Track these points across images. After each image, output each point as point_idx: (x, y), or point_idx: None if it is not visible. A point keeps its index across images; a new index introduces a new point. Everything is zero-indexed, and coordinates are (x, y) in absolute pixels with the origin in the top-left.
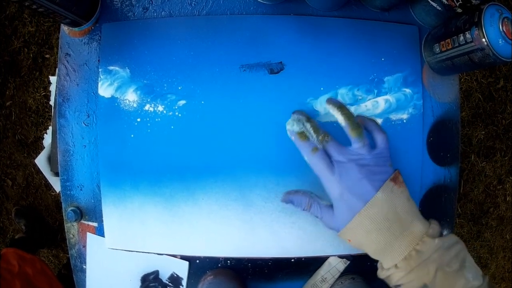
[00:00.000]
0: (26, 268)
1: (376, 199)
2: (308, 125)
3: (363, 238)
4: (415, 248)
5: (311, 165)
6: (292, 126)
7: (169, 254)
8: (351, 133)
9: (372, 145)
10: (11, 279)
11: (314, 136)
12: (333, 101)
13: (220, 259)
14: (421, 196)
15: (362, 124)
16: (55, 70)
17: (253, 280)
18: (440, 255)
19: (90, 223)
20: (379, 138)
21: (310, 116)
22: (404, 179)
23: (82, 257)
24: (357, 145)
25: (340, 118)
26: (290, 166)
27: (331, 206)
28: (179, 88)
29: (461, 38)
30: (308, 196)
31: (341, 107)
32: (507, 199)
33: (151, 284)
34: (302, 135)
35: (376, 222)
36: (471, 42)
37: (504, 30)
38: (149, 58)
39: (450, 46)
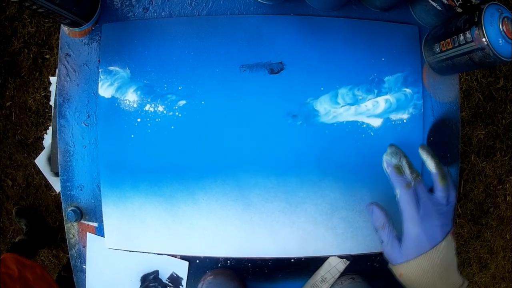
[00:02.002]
0: (26, 273)
1: (441, 247)
2: (404, 161)
3: (417, 276)
4: None
5: (401, 199)
6: (391, 158)
7: (169, 254)
8: (440, 182)
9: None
10: (11, 283)
11: (408, 172)
12: (426, 149)
13: (220, 259)
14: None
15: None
16: (55, 71)
17: (253, 280)
18: None
19: (90, 223)
20: (452, 195)
21: (405, 153)
22: None
23: (82, 257)
24: (441, 194)
25: (431, 166)
26: (290, 166)
27: (398, 238)
28: (179, 88)
29: (461, 37)
30: (388, 218)
31: (434, 156)
32: (507, 199)
33: (151, 284)
34: (399, 169)
35: (434, 266)
36: (471, 41)
37: (504, 29)
38: (149, 58)
39: (450, 46)
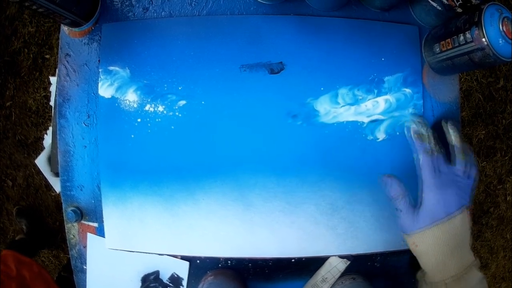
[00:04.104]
0: (23, 271)
1: (456, 219)
2: (430, 132)
3: (430, 247)
4: (464, 275)
5: (421, 165)
6: (417, 126)
7: (169, 255)
8: (461, 155)
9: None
10: (7, 282)
11: (433, 142)
12: (452, 122)
13: (221, 259)
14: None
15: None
16: (55, 71)
17: (254, 280)
18: (477, 286)
19: (91, 224)
20: (474, 172)
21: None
22: (404, 179)
23: (82, 258)
24: (461, 167)
25: (455, 139)
26: (290, 166)
27: (414, 206)
28: (179, 88)
29: (461, 38)
30: (405, 188)
31: (458, 130)
32: (508, 199)
33: (151, 285)
34: (423, 137)
35: (448, 237)
36: (471, 42)
37: (504, 30)
38: (149, 58)
39: (450, 46)
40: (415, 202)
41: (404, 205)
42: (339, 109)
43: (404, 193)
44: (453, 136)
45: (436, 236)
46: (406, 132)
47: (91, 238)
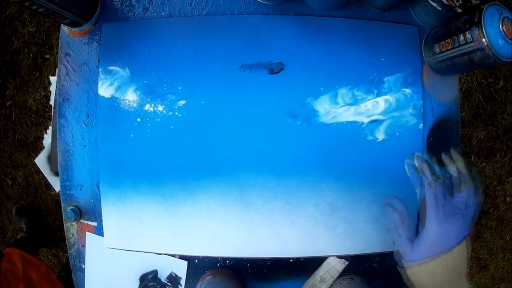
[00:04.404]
0: (31, 272)
1: (454, 252)
2: (425, 165)
3: (427, 278)
4: None
5: (422, 199)
6: (412, 161)
7: (168, 254)
8: (466, 183)
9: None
10: (14, 281)
11: (429, 173)
12: (457, 149)
13: (219, 258)
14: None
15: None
16: (55, 70)
17: (252, 280)
18: None
19: (90, 223)
20: (472, 199)
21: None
22: (404, 179)
23: (81, 257)
24: (465, 195)
25: (460, 165)
26: (290, 166)
27: (411, 237)
28: (179, 88)
29: (461, 38)
30: (406, 214)
31: (463, 157)
32: (507, 200)
33: (149, 284)
34: (421, 170)
35: (445, 270)
36: (471, 42)
37: (504, 30)
38: (149, 58)
39: (450, 46)
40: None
41: (405, 233)
42: (339, 109)
43: (406, 219)
44: (457, 162)
45: (434, 269)
46: (406, 169)
47: (90, 237)
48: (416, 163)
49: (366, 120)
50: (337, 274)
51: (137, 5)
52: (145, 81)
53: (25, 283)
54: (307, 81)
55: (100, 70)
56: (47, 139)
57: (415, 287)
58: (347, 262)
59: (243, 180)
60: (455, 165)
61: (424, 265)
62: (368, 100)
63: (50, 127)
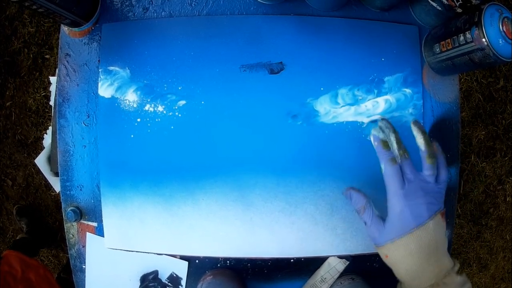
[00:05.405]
0: (30, 274)
1: (428, 226)
2: (392, 136)
3: (403, 257)
4: (442, 280)
5: (385, 174)
6: (378, 133)
7: (168, 254)
8: (427, 160)
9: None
10: (14, 284)
11: (396, 148)
12: (418, 124)
13: (220, 259)
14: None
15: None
16: (55, 71)
17: (253, 280)
18: None
19: (90, 223)
20: (444, 175)
21: (395, 128)
22: None
23: (81, 257)
24: (428, 172)
25: (421, 142)
26: (290, 166)
27: (381, 218)
28: (179, 88)
29: (461, 38)
30: (367, 199)
31: (424, 133)
32: (507, 200)
33: (150, 284)
34: (385, 144)
35: (421, 246)
36: (471, 42)
37: (504, 30)
38: (149, 58)
39: (450, 46)
40: (384, 213)
41: (368, 217)
42: (339, 109)
43: (366, 203)
44: (418, 139)
45: (408, 247)
46: (372, 140)
47: (90, 238)
48: (382, 136)
49: (366, 120)
50: (338, 274)
51: (137, 5)
52: (145, 81)
53: (24, 285)
54: (307, 81)
55: (100, 70)
56: (47, 139)
57: (393, 268)
58: (347, 262)
59: (243, 180)
60: (423, 137)
61: (397, 241)
62: (368, 100)
63: (50, 127)
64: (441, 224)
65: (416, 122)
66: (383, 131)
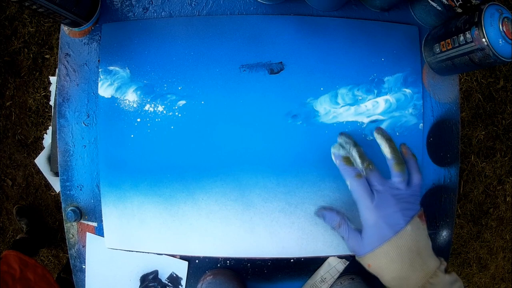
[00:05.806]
0: (28, 273)
1: (405, 232)
2: (354, 151)
3: (385, 265)
4: (429, 280)
5: (352, 190)
6: (338, 150)
7: (168, 254)
8: (395, 167)
9: (408, 182)
10: (12, 283)
11: (359, 162)
12: (382, 132)
13: (220, 259)
14: (421, 197)
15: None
16: (55, 71)
17: (253, 280)
18: None
19: (90, 223)
20: (416, 178)
21: (356, 142)
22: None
23: (81, 257)
24: (397, 179)
25: (386, 151)
26: (290, 166)
27: (358, 230)
28: (179, 88)
29: (461, 38)
30: (341, 216)
31: (390, 140)
32: (507, 200)
33: (150, 284)
34: (348, 160)
35: (401, 252)
36: (471, 42)
37: (504, 30)
38: (149, 58)
39: (450, 46)
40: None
41: (345, 231)
42: (339, 109)
43: (340, 221)
44: (383, 148)
45: (388, 254)
46: (333, 159)
47: (90, 238)
48: (342, 153)
49: (366, 120)
50: (338, 274)
51: (137, 5)
52: (145, 81)
53: (22, 284)
54: (307, 81)
55: (100, 70)
56: (47, 139)
57: (378, 276)
58: (347, 262)
59: (243, 180)
60: (388, 145)
61: (377, 251)
62: (368, 100)
63: (50, 127)
64: (420, 226)
65: (379, 130)
66: (343, 147)
